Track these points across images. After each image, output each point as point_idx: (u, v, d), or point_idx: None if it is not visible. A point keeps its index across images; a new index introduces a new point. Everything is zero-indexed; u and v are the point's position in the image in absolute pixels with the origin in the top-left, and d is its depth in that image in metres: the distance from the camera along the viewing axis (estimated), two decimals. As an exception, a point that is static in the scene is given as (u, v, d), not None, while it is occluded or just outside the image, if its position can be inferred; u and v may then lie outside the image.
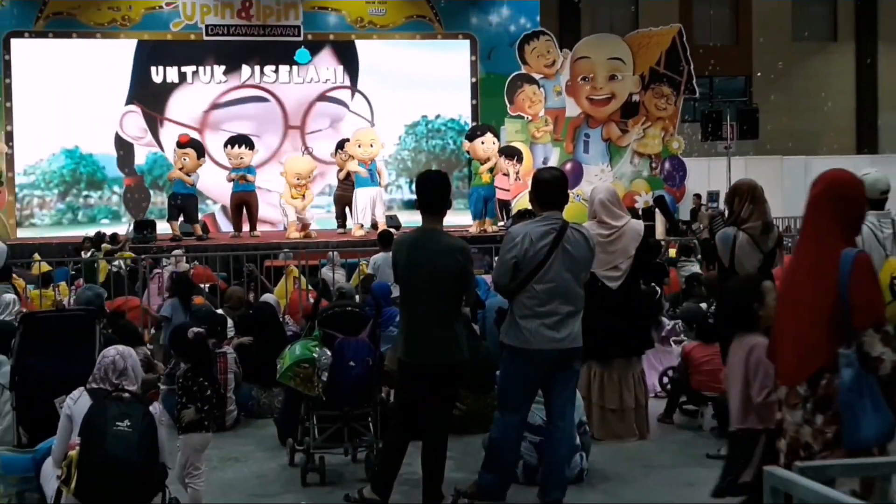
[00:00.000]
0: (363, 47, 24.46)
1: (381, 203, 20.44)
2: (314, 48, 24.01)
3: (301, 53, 23.81)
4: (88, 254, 17.02)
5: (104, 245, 17.47)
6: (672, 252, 15.70)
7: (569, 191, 7.32)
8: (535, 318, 6.65)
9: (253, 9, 23.41)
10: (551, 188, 6.93)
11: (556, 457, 6.80)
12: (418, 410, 6.79)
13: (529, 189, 7.24)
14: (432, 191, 6.85)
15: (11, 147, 22.42)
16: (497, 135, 21.46)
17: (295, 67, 23.94)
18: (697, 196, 25.20)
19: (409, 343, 6.70)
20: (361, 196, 19.98)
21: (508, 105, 23.35)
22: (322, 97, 24.39)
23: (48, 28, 22.74)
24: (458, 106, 24.64)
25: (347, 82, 24.43)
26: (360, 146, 20.02)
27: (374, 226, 19.58)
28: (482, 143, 20.82)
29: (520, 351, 6.71)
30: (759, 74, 30.52)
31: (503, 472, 6.85)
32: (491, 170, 20.60)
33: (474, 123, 23.39)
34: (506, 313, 6.97)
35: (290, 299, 13.03)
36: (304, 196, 20.14)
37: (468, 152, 21.18)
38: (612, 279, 8.29)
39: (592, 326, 7.20)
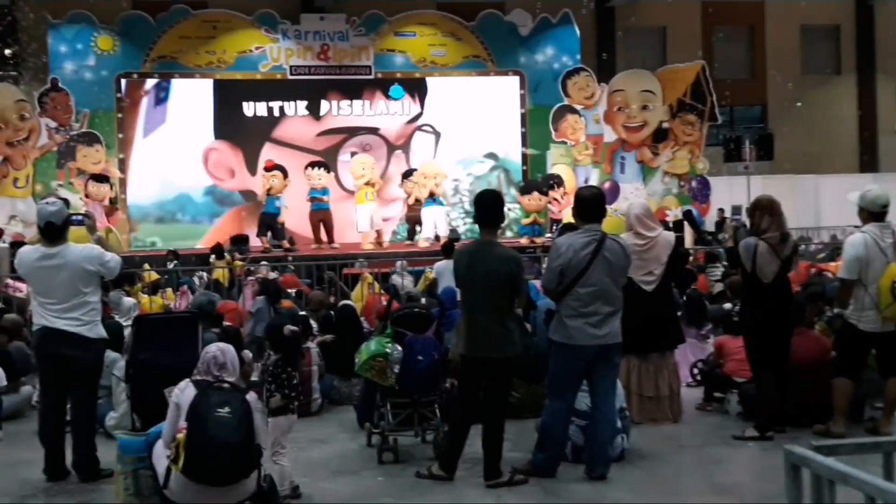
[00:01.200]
0: (424, 84, 24.48)
1: (445, 220, 20.65)
2: (383, 85, 24.09)
3: (395, 90, 23.99)
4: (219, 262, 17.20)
5: (226, 256, 17.51)
6: (699, 259, 15.58)
7: (606, 206, 7.28)
8: (579, 317, 6.70)
9: (330, 51, 23.50)
10: (591, 204, 6.99)
11: (600, 438, 6.83)
12: (478, 398, 6.82)
13: (572, 205, 7.24)
14: (488, 207, 6.91)
15: (124, 173, 22.66)
16: (544, 193, 21.46)
17: (366, 101, 24.03)
18: (721, 210, 25.00)
19: (469, 340, 6.72)
20: (427, 214, 20.30)
21: (553, 132, 23.37)
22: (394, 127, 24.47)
23: (154, 69, 22.97)
24: (509, 134, 24.56)
25: (414, 114, 24.45)
26: (425, 177, 20.52)
27: (437, 238, 19.63)
28: (529, 200, 21.37)
29: (566, 346, 6.76)
30: (772, 104, 30.24)
31: (553, 451, 6.87)
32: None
33: (524, 149, 23.29)
34: (553, 314, 7.01)
35: (365, 302, 13.06)
36: (372, 197, 20.35)
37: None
38: (647, 283, 8.25)
39: (631, 324, 7.18)
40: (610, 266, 6.73)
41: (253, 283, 13.43)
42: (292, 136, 23.73)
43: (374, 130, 24.12)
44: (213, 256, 17.45)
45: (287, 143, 23.61)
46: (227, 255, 17.35)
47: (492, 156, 24.83)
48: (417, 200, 20.68)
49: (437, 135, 23.99)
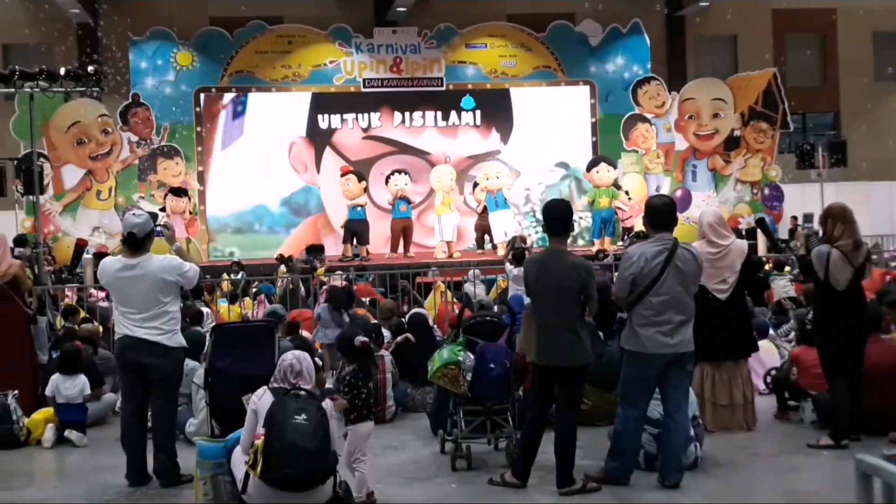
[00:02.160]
0: (499, 95, 24.49)
1: (513, 224, 20.72)
2: (454, 97, 24.15)
3: (466, 100, 24.08)
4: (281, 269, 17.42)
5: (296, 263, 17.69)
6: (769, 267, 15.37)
7: (679, 214, 7.21)
8: (651, 326, 6.64)
9: (403, 64, 23.61)
10: (662, 213, 6.91)
11: (673, 446, 6.75)
12: (551, 406, 6.78)
13: (643, 214, 7.17)
14: (557, 216, 6.87)
15: (203, 185, 23.00)
16: (612, 164, 21.60)
17: (438, 112, 24.10)
18: (794, 218, 24.60)
19: (540, 347, 6.68)
20: (494, 220, 20.50)
21: (624, 141, 23.32)
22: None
23: (231, 84, 23.29)
24: (580, 143, 24.45)
25: (481, 124, 24.48)
26: (487, 178, 20.92)
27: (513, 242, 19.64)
28: (597, 172, 21.44)
29: (638, 355, 6.71)
30: (845, 111, 29.70)
31: (626, 459, 6.80)
32: (612, 195, 20.74)
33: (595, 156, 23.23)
34: (625, 322, 6.95)
35: (438, 311, 13.08)
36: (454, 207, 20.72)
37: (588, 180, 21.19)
38: (720, 291, 8.15)
39: (704, 332, 7.10)
40: (682, 275, 6.66)
41: (327, 291, 13.52)
42: (360, 146, 23.88)
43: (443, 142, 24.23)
44: (282, 267, 17.66)
45: (354, 153, 23.83)
46: (292, 264, 17.55)
47: (563, 165, 24.73)
48: (486, 209, 20.82)
49: (513, 170, 23.88)
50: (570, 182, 24.54)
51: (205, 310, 12.35)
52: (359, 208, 20.44)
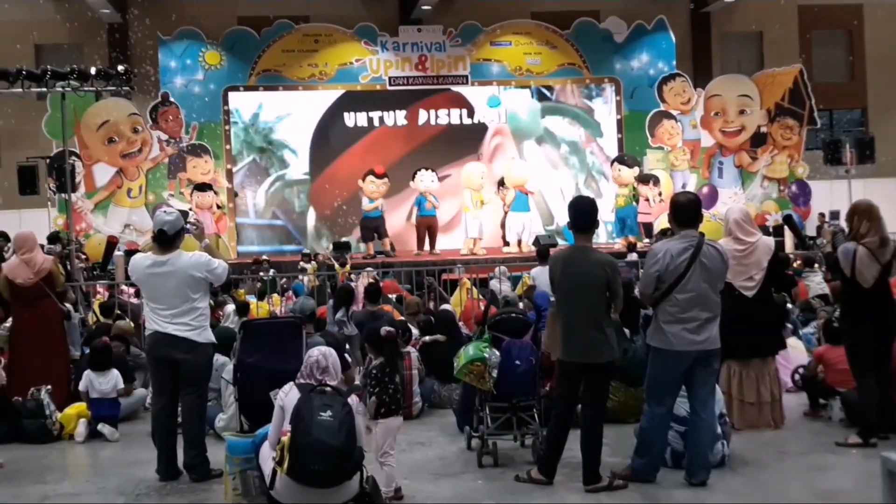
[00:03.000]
0: (523, 93, 24.49)
1: (531, 226, 20.82)
2: (480, 94, 24.15)
3: (492, 99, 24.12)
4: (309, 267, 17.50)
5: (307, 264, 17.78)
6: (797, 264, 15.27)
7: (705, 211, 7.19)
8: (677, 323, 6.61)
9: (428, 62, 23.56)
10: (687, 210, 6.88)
11: (699, 444, 6.71)
12: (577, 402, 6.76)
13: (668, 211, 7.14)
14: (582, 213, 6.87)
15: (232, 182, 23.10)
16: (632, 164, 21.65)
17: (463, 110, 24.09)
18: (822, 215, 24.42)
19: (566, 344, 6.68)
20: (513, 220, 20.66)
21: (650, 138, 23.26)
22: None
23: (259, 83, 23.32)
24: (606, 140, 24.38)
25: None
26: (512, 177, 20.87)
27: (537, 242, 19.60)
28: (619, 170, 21.61)
29: (664, 352, 6.68)
30: (872, 107, 29.42)
31: (653, 456, 6.77)
32: (632, 191, 20.75)
33: (619, 153, 23.17)
34: (651, 319, 6.92)
35: (463, 307, 13.07)
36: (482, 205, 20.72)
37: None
38: (747, 288, 8.11)
39: (731, 330, 7.07)
40: (707, 271, 6.63)
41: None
42: (386, 144, 23.91)
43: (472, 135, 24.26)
44: (303, 263, 17.73)
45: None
46: (315, 262, 17.60)
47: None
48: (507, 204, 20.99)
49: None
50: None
51: (230, 307, 12.42)
52: (379, 209, 20.44)
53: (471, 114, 24.23)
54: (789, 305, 10.89)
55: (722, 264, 6.74)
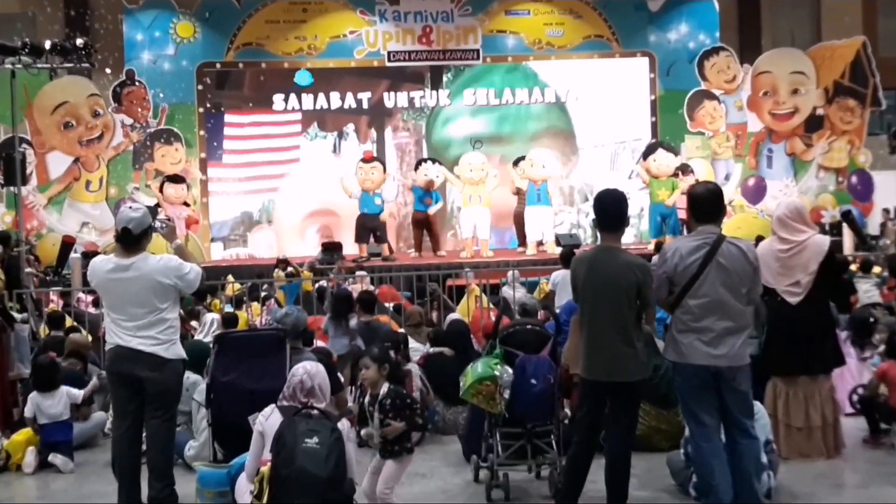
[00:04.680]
0: (541, 68, 24.48)
1: (550, 224, 20.76)
2: (493, 71, 24.16)
3: (301, 75, 23.78)
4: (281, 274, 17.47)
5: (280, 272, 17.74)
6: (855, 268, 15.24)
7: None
8: (690, 332, 6.54)
9: (433, 34, 23.61)
10: (705, 202, 6.79)
11: (743, 472, 6.53)
12: (601, 427, 6.77)
13: (686, 205, 7.11)
14: (610, 209, 6.86)
15: (206, 173, 23.12)
16: (674, 151, 21.42)
17: (476, 92, 24.12)
18: (886, 211, 24.35)
19: (589, 360, 6.67)
20: (530, 215, 20.53)
21: (688, 121, 23.20)
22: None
23: (238, 58, 23.36)
24: (637, 124, 24.34)
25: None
26: (532, 165, 20.69)
27: (559, 242, 19.58)
28: (654, 160, 21.08)
29: (680, 365, 6.63)
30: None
31: (718, 491, 6.46)
32: (673, 187, 20.50)
33: (654, 140, 23.12)
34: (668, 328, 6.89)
35: (471, 318, 13.08)
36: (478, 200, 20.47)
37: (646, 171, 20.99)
38: (792, 294, 8.08)
39: (774, 342, 7.05)
40: (726, 274, 6.50)
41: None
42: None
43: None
44: (277, 271, 17.69)
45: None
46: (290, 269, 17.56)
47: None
48: (520, 191, 20.84)
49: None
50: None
51: (210, 316, 12.46)
52: (377, 199, 20.28)
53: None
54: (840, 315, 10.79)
55: (746, 265, 6.58)
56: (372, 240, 20.29)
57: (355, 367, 8.30)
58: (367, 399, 6.62)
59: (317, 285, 15.03)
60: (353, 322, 10.95)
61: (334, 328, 11.13)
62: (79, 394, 9.38)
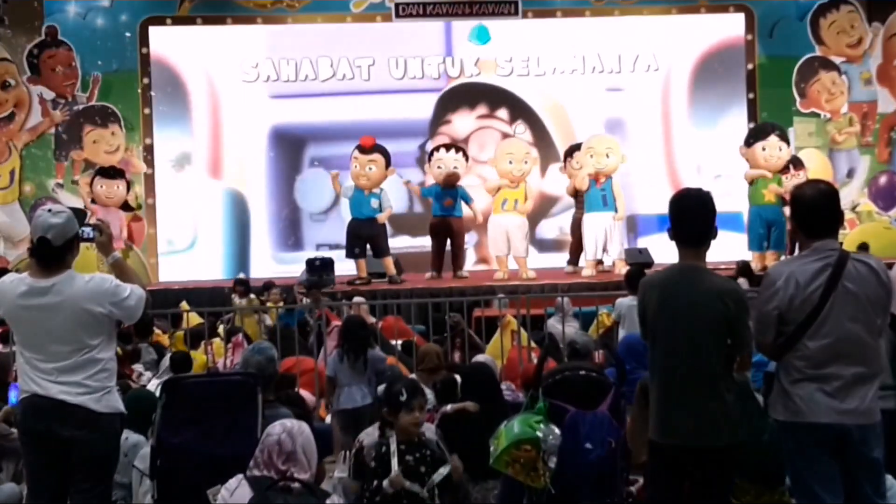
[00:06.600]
0: (599, 25, 24.48)
1: (618, 233, 20.52)
2: (534, 28, 24.17)
3: (480, 31, 23.88)
4: (243, 301, 17.48)
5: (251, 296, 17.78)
6: None
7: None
8: (808, 381, 6.46)
9: (455, -20, 23.65)
10: (823, 209, 6.67)
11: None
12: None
13: (790, 213, 7.03)
14: (691, 215, 6.84)
15: (152, 165, 23.16)
16: (786, 138, 21.25)
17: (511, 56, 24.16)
18: None
19: (662, 418, 6.69)
20: (590, 223, 20.26)
21: (798, 99, 23.15)
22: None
23: (195, 13, 23.38)
24: (730, 101, 24.28)
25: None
26: (591, 156, 20.40)
27: (601, 262, 19.56)
28: (763, 149, 20.73)
29: (792, 426, 6.55)
30: None
31: None
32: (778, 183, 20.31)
33: (752, 124, 23.07)
34: (773, 379, 6.81)
35: (506, 359, 13.09)
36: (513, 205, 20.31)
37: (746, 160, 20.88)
38: (934, 326, 8.06)
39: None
40: (856, 303, 6.43)
41: (339, 330, 13.60)
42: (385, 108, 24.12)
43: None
44: (234, 297, 17.70)
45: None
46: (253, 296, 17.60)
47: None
48: (578, 193, 20.68)
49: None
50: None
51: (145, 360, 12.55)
52: (373, 201, 20.02)
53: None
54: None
55: (880, 288, 6.51)
56: (370, 251, 20.01)
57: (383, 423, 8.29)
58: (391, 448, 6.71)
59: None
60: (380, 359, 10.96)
61: (349, 373, 11.14)
62: None
